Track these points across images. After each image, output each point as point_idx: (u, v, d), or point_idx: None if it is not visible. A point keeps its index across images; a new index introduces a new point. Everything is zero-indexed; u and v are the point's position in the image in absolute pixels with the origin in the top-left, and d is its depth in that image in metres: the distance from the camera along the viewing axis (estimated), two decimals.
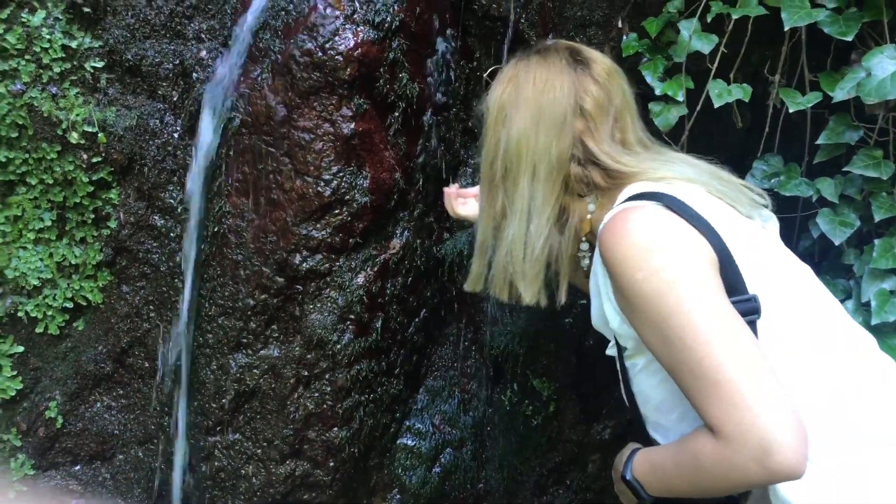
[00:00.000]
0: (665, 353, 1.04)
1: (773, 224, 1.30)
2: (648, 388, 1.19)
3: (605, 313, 1.18)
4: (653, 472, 1.12)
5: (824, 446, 1.04)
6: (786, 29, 1.38)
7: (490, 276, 1.34)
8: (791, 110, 1.43)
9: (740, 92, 1.51)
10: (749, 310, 1.07)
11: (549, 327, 2.21)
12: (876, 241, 1.42)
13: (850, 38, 1.35)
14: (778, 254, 1.21)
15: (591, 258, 1.31)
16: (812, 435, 0.97)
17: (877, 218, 1.40)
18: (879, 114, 1.41)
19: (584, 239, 1.31)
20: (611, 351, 1.27)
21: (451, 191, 1.73)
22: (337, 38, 1.86)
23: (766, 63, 1.63)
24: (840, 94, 1.35)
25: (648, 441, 1.23)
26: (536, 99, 1.22)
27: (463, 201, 1.72)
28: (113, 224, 2.12)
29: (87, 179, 2.08)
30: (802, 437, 0.93)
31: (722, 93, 1.52)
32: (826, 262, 1.65)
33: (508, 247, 1.25)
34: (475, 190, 1.66)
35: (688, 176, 1.20)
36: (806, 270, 1.21)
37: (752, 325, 1.08)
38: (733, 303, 1.05)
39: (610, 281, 1.12)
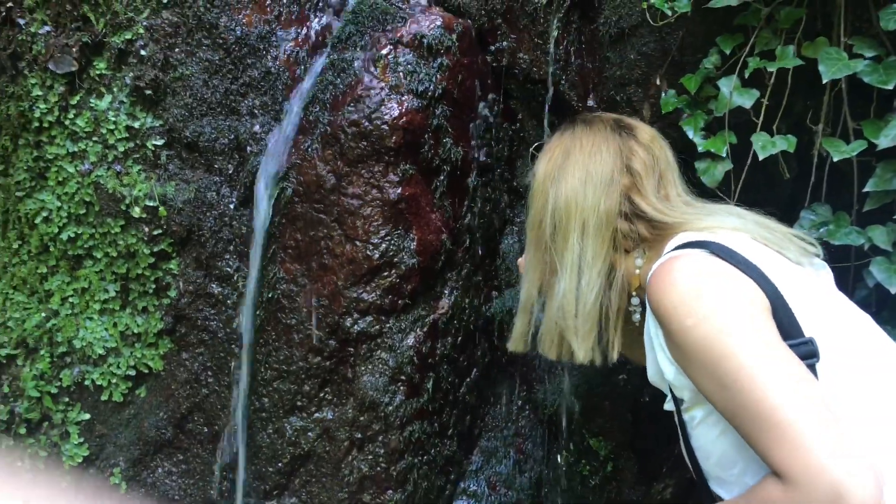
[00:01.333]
0: (723, 400, 1.02)
1: (827, 272, 1.28)
2: (708, 441, 1.16)
3: (660, 365, 1.16)
4: None
5: (893, 490, 1.00)
6: (824, 81, 1.39)
7: (539, 335, 1.35)
8: (835, 159, 1.42)
9: (784, 143, 1.51)
10: (807, 353, 1.05)
11: (602, 385, 2.18)
12: None
13: (891, 87, 1.35)
14: (834, 299, 1.19)
15: (641, 313, 1.31)
16: (883, 479, 0.94)
17: None
18: None
19: (633, 294, 1.31)
20: (668, 406, 1.26)
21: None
22: (382, 108, 1.93)
23: (809, 113, 1.62)
24: (884, 141, 1.34)
25: (712, 498, 1.20)
26: (584, 161, 1.27)
27: None
28: (173, 293, 2.20)
29: (149, 251, 2.17)
30: (875, 481, 0.90)
31: (766, 145, 1.52)
32: (885, 311, 1.61)
33: (560, 302, 1.26)
34: None
35: (733, 225, 1.20)
36: (865, 317, 1.19)
37: (812, 368, 1.06)
38: (790, 346, 1.03)
39: (661, 331, 1.12)
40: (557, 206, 1.27)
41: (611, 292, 1.27)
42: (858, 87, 1.45)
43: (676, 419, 1.23)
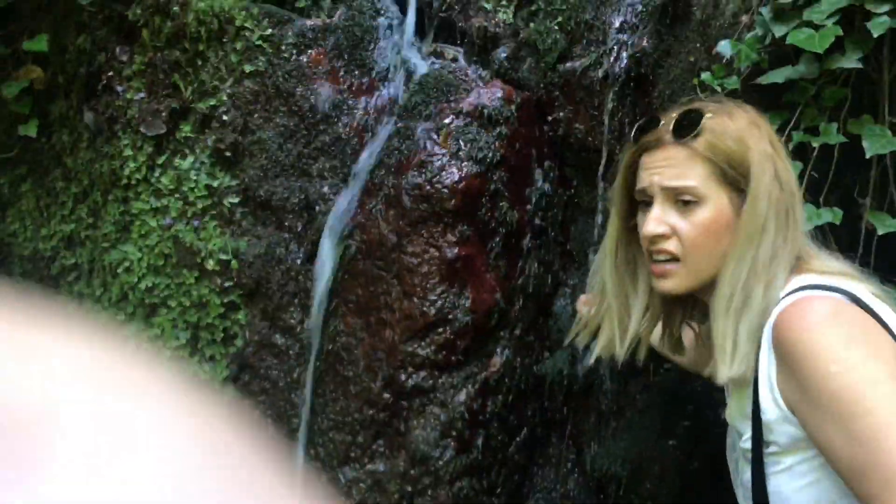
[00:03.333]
0: (849, 453, 0.99)
1: None
2: (790, 490, 1.13)
3: (761, 404, 1.12)
4: None
5: None
6: (867, 156, 1.44)
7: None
8: (880, 232, 1.46)
9: (829, 215, 1.55)
10: None
11: (652, 448, 2.19)
12: None
13: None
14: None
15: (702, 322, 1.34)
16: None
17: None
18: None
19: None
20: (745, 444, 1.20)
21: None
22: (443, 173, 2.05)
23: (857, 187, 1.67)
24: None
25: None
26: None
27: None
28: (239, 342, 2.32)
29: (219, 302, 2.31)
30: None
31: (811, 216, 1.56)
32: None
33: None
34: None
35: (851, 273, 1.17)
36: None
37: None
38: None
39: (784, 370, 1.08)
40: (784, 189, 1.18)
41: None
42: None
43: (749, 460, 1.18)
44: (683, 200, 1.19)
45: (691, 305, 1.37)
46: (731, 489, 1.39)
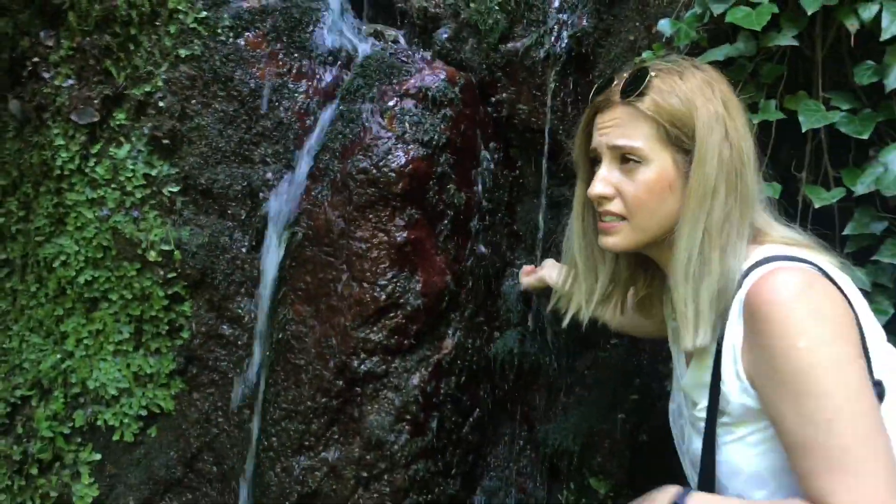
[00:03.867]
0: (795, 428, 1.01)
1: None
2: (742, 459, 1.13)
3: (722, 374, 1.13)
4: None
5: None
6: (803, 131, 1.48)
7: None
8: (817, 206, 1.51)
9: (770, 190, 1.58)
10: (877, 395, 1.05)
11: (602, 423, 2.23)
12: None
13: (866, 137, 1.44)
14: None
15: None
16: None
17: None
18: None
19: None
20: (700, 413, 1.20)
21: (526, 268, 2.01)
22: (390, 156, 2.03)
23: (794, 161, 1.71)
24: (861, 188, 1.43)
25: None
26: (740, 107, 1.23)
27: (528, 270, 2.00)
28: (185, 334, 2.27)
29: (163, 294, 2.25)
30: None
31: None
32: None
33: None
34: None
35: (811, 244, 1.18)
36: None
37: None
38: None
39: (751, 339, 1.08)
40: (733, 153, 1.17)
41: None
42: (838, 138, 1.54)
43: (700, 430, 1.19)
44: (628, 159, 1.20)
45: (652, 272, 1.38)
46: (679, 459, 1.43)
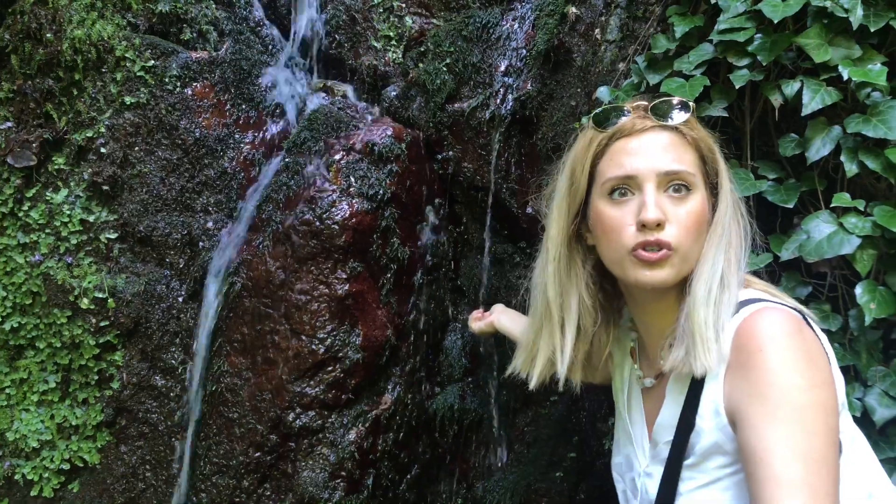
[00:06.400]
0: (783, 465, 0.97)
1: None
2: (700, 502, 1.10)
3: (700, 407, 1.10)
4: None
5: None
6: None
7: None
8: (745, 271, 1.55)
9: None
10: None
11: (540, 481, 2.22)
12: None
13: (790, 206, 1.51)
14: None
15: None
16: None
17: None
18: (826, 271, 1.54)
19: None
20: (663, 451, 1.17)
21: (475, 313, 1.93)
22: (334, 209, 2.04)
23: None
24: (786, 254, 1.48)
25: None
26: None
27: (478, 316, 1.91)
28: (116, 385, 2.20)
29: (94, 342, 2.18)
30: None
31: None
32: None
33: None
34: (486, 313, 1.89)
35: (786, 295, 1.18)
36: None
37: None
38: None
39: (738, 370, 1.05)
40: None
41: None
42: (766, 206, 1.60)
43: (660, 477, 1.16)
44: (676, 187, 1.12)
45: (615, 321, 1.32)
46: None
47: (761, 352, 1.02)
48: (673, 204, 1.11)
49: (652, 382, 1.25)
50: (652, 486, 1.18)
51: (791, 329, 1.03)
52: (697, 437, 1.09)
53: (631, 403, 1.31)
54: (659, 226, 1.10)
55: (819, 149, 1.48)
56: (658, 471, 1.17)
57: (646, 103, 1.17)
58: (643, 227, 1.10)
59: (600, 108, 1.18)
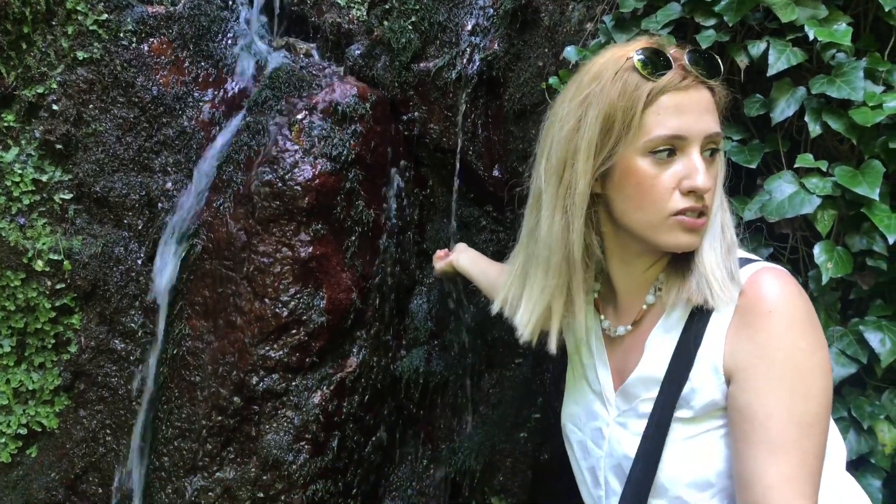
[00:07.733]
0: (780, 428, 0.98)
1: None
2: (692, 460, 1.08)
3: (695, 363, 1.07)
4: None
5: None
6: None
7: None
8: None
9: None
10: None
11: (504, 442, 2.24)
12: None
13: (754, 166, 1.51)
14: None
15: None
16: None
17: None
18: (788, 232, 1.56)
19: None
20: (642, 407, 1.13)
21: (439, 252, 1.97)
22: (296, 170, 2.00)
23: None
24: (749, 214, 1.49)
25: None
26: None
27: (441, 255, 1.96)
28: (73, 349, 2.15)
29: (50, 305, 2.13)
30: None
31: None
32: None
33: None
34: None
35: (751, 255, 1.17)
36: None
37: None
38: None
39: (741, 328, 1.03)
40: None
41: None
42: (730, 167, 1.61)
43: (642, 426, 1.12)
44: (711, 150, 1.07)
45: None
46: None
47: (771, 314, 1.01)
48: (707, 167, 1.06)
49: (626, 329, 1.22)
50: (625, 437, 1.15)
51: (796, 291, 1.02)
52: (693, 392, 1.07)
53: (591, 352, 1.27)
54: (708, 191, 1.05)
55: (784, 110, 1.48)
56: (634, 422, 1.14)
57: (683, 52, 1.08)
58: (690, 192, 1.04)
59: (644, 50, 1.07)
